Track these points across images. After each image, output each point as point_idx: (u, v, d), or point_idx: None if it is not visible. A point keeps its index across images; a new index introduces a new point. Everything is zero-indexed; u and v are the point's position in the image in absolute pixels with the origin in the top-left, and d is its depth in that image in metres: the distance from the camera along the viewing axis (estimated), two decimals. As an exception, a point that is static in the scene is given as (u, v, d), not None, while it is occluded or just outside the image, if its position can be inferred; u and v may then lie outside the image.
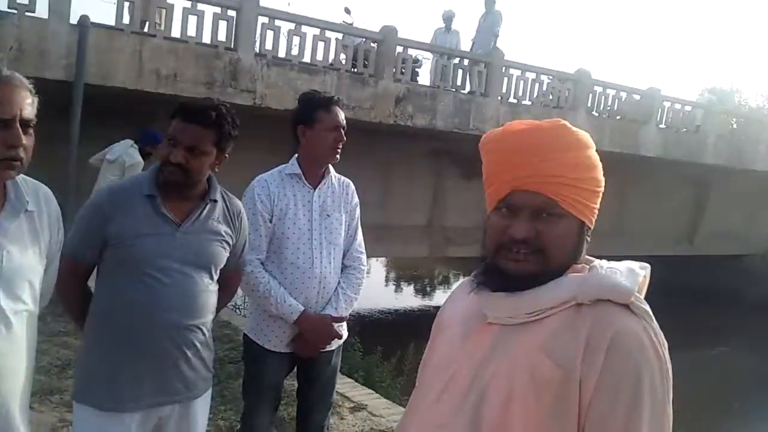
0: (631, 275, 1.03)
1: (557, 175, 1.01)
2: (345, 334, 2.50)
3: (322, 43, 8.54)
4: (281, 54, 8.17)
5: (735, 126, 14.38)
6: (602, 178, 1.07)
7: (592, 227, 1.08)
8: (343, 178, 2.51)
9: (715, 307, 13.19)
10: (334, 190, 2.44)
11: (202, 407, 1.91)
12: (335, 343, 2.44)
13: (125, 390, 1.73)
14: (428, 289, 17.87)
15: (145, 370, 1.74)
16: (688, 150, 12.85)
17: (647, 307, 1.01)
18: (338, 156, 2.36)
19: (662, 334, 1.00)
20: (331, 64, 8.65)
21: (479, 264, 1.11)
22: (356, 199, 2.52)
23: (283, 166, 2.42)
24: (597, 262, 1.07)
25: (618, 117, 11.84)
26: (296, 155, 2.41)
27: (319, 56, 8.50)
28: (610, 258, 1.11)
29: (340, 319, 2.39)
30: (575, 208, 1.02)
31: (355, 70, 8.87)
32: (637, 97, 12.22)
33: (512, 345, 1.02)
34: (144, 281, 1.73)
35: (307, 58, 8.39)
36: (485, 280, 1.07)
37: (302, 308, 2.29)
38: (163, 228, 1.75)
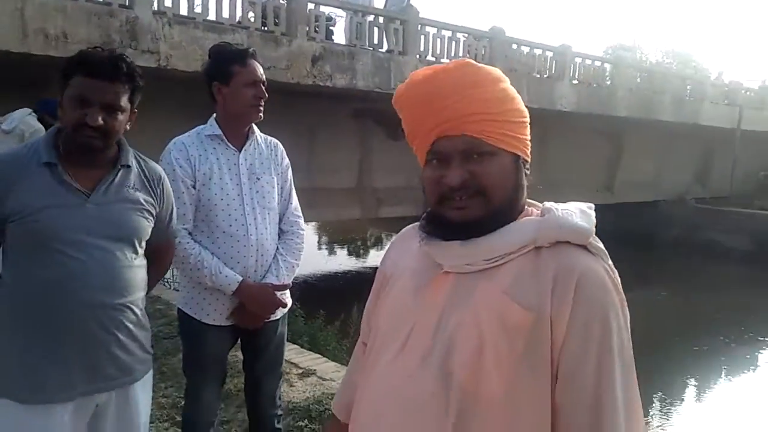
0: (585, 216, 1.02)
1: (475, 112, 0.98)
2: (289, 301, 2.34)
3: (227, -1, 8.03)
4: (183, 12, 7.58)
5: (639, 80, 14.99)
6: (524, 109, 1.04)
7: (528, 159, 1.04)
8: (270, 138, 2.33)
9: (637, 251, 13.75)
10: (262, 151, 2.25)
11: (143, 391, 1.75)
12: (280, 312, 2.29)
13: (51, 379, 1.56)
14: (363, 251, 17.80)
15: (70, 356, 1.57)
16: (601, 104, 13.25)
17: (602, 246, 1.01)
18: (261, 114, 2.17)
19: (616, 271, 1.00)
20: (239, 22, 8.15)
21: (424, 214, 1.08)
22: (287, 160, 2.35)
23: (201, 127, 2.20)
24: (549, 204, 1.04)
25: (535, 74, 11.98)
26: (214, 115, 2.21)
27: (225, 14, 7.98)
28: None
29: (282, 287, 2.24)
30: (504, 142, 0.99)
31: (266, 28, 8.42)
32: (550, 53, 12.42)
33: (473, 293, 1.00)
34: (55, 258, 1.54)
35: (212, 16, 7.86)
36: (434, 230, 1.04)
37: (240, 278, 2.13)
38: (69, 199, 1.56)
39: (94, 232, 1.58)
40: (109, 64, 1.55)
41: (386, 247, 1.25)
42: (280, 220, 2.30)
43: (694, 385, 7.82)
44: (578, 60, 13.09)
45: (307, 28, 8.64)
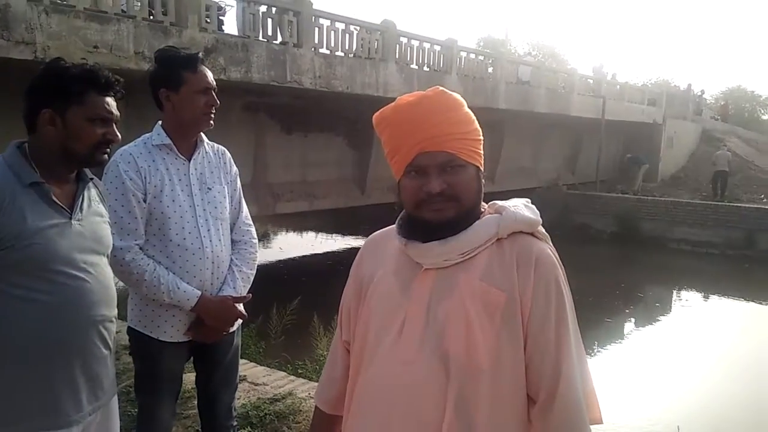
0: (531, 209, 1.26)
1: (450, 132, 1.18)
2: (245, 313, 2.29)
3: (110, -14, 7.42)
4: (61, -1, 6.93)
5: (518, 74, 15.84)
6: (478, 128, 1.25)
7: (483, 169, 1.25)
8: (217, 145, 2.27)
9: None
10: (210, 160, 2.21)
11: (116, 406, 1.77)
12: (236, 324, 2.28)
13: (66, 402, 1.55)
14: (265, 248, 17.32)
15: (78, 375, 1.57)
16: (485, 96, 13.84)
17: (545, 231, 1.26)
18: (212, 122, 2.13)
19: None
20: (123, 11, 7.58)
21: (399, 219, 1.29)
22: (235, 168, 2.31)
23: (147, 135, 2.13)
24: (500, 203, 1.27)
25: (425, 68, 12.26)
26: (160, 122, 2.14)
27: (109, 2, 7.37)
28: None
29: (241, 299, 2.22)
30: (471, 157, 1.20)
31: (152, 18, 7.90)
32: (438, 47, 12.75)
33: (456, 282, 1.19)
34: (55, 281, 1.53)
35: (93, 4, 7.22)
36: (412, 233, 1.23)
37: (199, 293, 2.09)
38: (57, 218, 1.55)
39: (83, 248, 1.59)
40: (112, 80, 1.60)
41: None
42: (231, 230, 2.26)
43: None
44: (463, 54, 13.56)
45: (198, 18, 8.22)
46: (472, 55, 14.00)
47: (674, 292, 13.81)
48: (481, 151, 1.24)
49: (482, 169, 1.24)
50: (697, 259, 15.61)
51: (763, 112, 48.94)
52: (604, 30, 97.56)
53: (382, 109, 1.24)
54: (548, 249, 1.23)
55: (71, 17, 6.81)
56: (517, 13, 79.67)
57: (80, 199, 1.61)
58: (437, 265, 1.21)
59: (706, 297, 13.17)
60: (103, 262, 1.66)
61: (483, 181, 1.25)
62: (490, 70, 14.68)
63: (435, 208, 1.18)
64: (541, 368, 1.16)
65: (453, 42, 12.97)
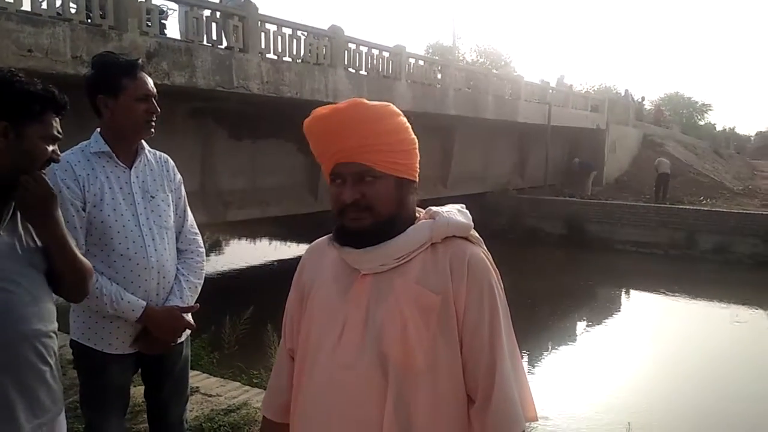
0: (464, 214, 1.29)
1: (364, 144, 1.19)
2: (193, 323, 2.23)
3: (44, -13, 7.11)
4: (-9, 1, 6.58)
5: (465, 79, 16.06)
6: (412, 138, 1.26)
7: (415, 179, 1.27)
8: (159, 153, 2.23)
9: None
10: (153, 167, 2.17)
11: (63, 424, 1.68)
12: (184, 334, 2.23)
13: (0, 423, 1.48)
14: (217, 257, 16.90)
15: (13, 393, 1.49)
16: (435, 103, 13.94)
17: (478, 236, 1.29)
18: (153, 130, 2.09)
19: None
20: (59, 14, 7.27)
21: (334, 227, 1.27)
22: (179, 176, 2.27)
23: (85, 143, 2.08)
24: (434, 209, 1.29)
25: (374, 74, 12.25)
26: (98, 130, 2.08)
27: (44, 4, 7.06)
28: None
29: (188, 309, 2.17)
30: (390, 168, 1.20)
31: (90, 21, 7.61)
32: (386, 54, 12.77)
33: (392, 286, 1.22)
34: None
35: (26, 6, 6.91)
36: (342, 239, 1.24)
37: (144, 303, 2.04)
38: None
39: (18, 260, 1.54)
40: (66, 102, 1.62)
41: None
42: (177, 239, 2.22)
43: (527, 353, 8.62)
44: (412, 61, 13.63)
45: (139, 22, 7.96)
46: (421, 62, 14.10)
47: (622, 291, 14.19)
48: (410, 162, 1.25)
49: (410, 178, 1.25)
50: (642, 260, 16.09)
51: (699, 117, 51.17)
52: (548, 37, 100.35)
53: (308, 118, 1.26)
54: (481, 252, 1.26)
55: (2, 19, 6.48)
56: (465, 19, 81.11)
57: (9, 210, 1.55)
58: (374, 270, 1.24)
59: (651, 295, 13.57)
60: (40, 276, 1.59)
61: (414, 189, 1.27)
62: (439, 76, 14.80)
63: (351, 216, 1.21)
64: (476, 370, 1.20)
65: (401, 48, 13.03)
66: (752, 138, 52.88)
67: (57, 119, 1.61)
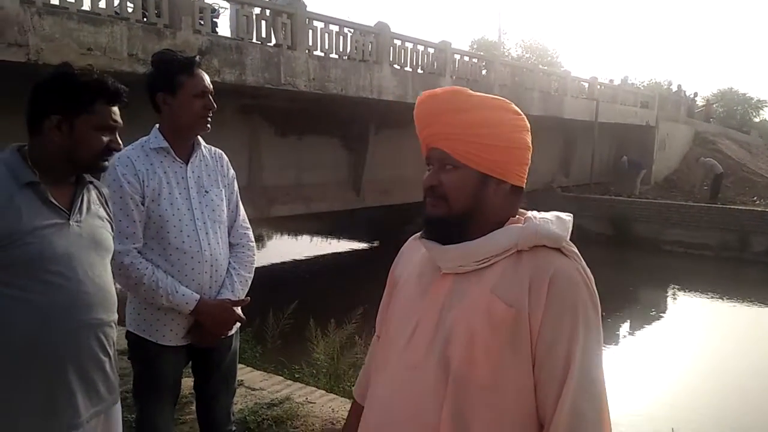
0: (561, 223, 1.20)
1: (450, 132, 1.17)
2: (243, 317, 2.28)
3: (102, -13, 7.38)
4: (55, 1, 6.87)
5: (510, 75, 15.87)
6: (516, 137, 1.19)
7: (506, 179, 1.18)
8: (214, 148, 2.28)
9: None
10: (208, 163, 2.23)
11: (119, 414, 1.73)
12: (234, 327, 2.27)
13: (60, 407, 1.52)
14: (261, 252, 17.28)
15: (74, 381, 1.54)
16: (480, 99, 13.83)
17: (575, 249, 1.18)
18: (209, 125, 2.15)
19: (589, 270, 1.17)
20: (117, 13, 7.54)
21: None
22: (232, 171, 2.32)
23: (145, 139, 2.14)
24: (531, 213, 1.22)
25: (419, 70, 12.25)
26: (157, 126, 2.15)
27: (102, 3, 7.34)
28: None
29: (240, 303, 2.21)
30: (469, 159, 1.16)
31: (146, 20, 7.86)
32: (431, 50, 12.75)
33: (467, 290, 1.16)
34: (50, 281, 1.50)
35: (87, 6, 7.19)
36: (426, 230, 1.22)
37: (198, 296, 2.09)
38: (54, 218, 1.54)
39: (82, 250, 1.58)
40: (120, 90, 1.62)
41: (400, 252, 1.42)
42: (229, 233, 2.26)
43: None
44: (457, 57, 13.58)
45: (192, 20, 8.18)
46: (466, 58, 14.04)
47: (669, 293, 13.85)
48: (503, 158, 1.17)
49: (499, 177, 1.18)
50: (692, 261, 15.65)
51: (754, 114, 49.25)
52: (596, 31, 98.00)
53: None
54: (573, 268, 1.14)
55: (64, 19, 6.76)
56: (511, 15, 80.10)
57: (79, 200, 1.60)
58: (453, 270, 1.19)
59: (700, 299, 13.20)
60: (102, 265, 1.64)
61: (503, 190, 1.18)
62: (483, 72, 14.69)
63: (430, 203, 1.20)
64: (546, 397, 1.10)
65: (446, 44, 12.98)
66: (811, 136, 50.52)
67: (113, 108, 1.61)
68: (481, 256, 1.16)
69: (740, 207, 16.97)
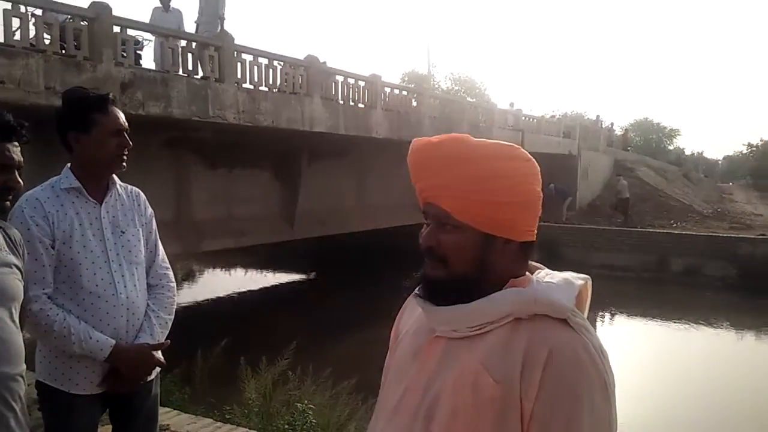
0: (569, 287, 1.04)
1: (450, 186, 1.03)
2: (163, 360, 2.19)
3: (17, 19, 7.08)
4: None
5: (440, 107, 16.30)
6: (523, 188, 1.05)
7: (513, 238, 1.05)
8: (130, 187, 2.21)
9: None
10: (124, 202, 2.15)
11: None
12: (154, 372, 2.18)
13: None
14: (190, 289, 16.66)
15: None
16: (410, 130, 14.05)
17: (584, 321, 1.02)
18: (125, 164, 2.06)
19: (602, 346, 1.01)
20: (33, 45, 7.24)
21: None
22: (150, 210, 2.24)
23: (56, 178, 2.06)
24: (536, 274, 1.08)
25: (351, 102, 12.37)
26: (69, 165, 2.07)
27: (17, 35, 7.03)
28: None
29: (159, 346, 2.13)
30: (472, 219, 1.02)
31: (65, 52, 7.60)
32: (362, 83, 12.91)
33: (458, 358, 1.03)
34: None
35: (-1, 38, 6.90)
36: (422, 289, 1.10)
37: (113, 342, 1.99)
38: None
39: None
40: (15, 125, 1.52)
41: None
42: (147, 274, 2.18)
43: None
44: (387, 89, 13.80)
45: (114, 52, 7.97)
46: (396, 91, 14.27)
47: (597, 314, 14.33)
48: (508, 216, 1.03)
49: (504, 236, 1.04)
50: (616, 283, 16.31)
51: (668, 142, 52.43)
52: (521, 64, 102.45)
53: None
54: (579, 344, 0.98)
55: (-26, 51, 6.44)
56: (440, 48, 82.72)
57: None
58: (447, 334, 1.06)
59: (626, 317, 13.72)
60: (6, 314, 1.54)
61: (510, 250, 1.05)
62: (414, 104, 14.99)
63: (428, 264, 1.08)
64: None
65: (377, 77, 13.17)
66: (720, 162, 54.32)
67: (7, 146, 1.53)
68: (475, 322, 1.03)
69: (659, 230, 17.93)
